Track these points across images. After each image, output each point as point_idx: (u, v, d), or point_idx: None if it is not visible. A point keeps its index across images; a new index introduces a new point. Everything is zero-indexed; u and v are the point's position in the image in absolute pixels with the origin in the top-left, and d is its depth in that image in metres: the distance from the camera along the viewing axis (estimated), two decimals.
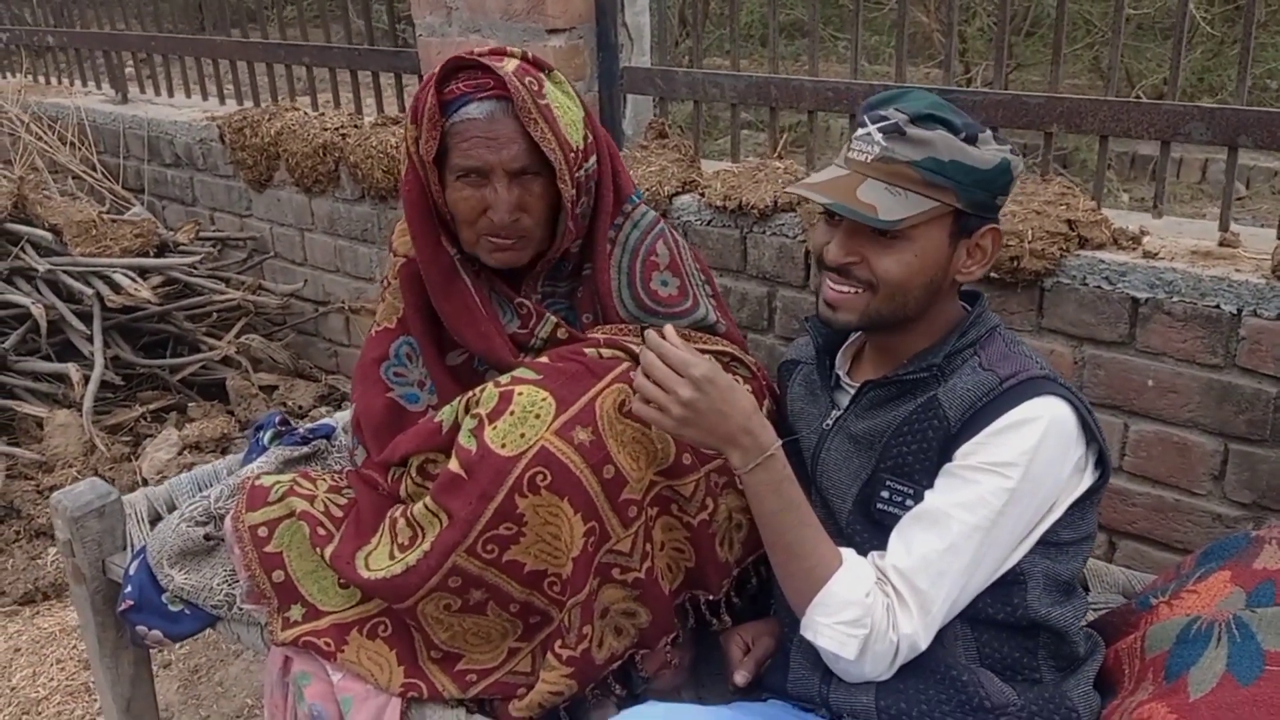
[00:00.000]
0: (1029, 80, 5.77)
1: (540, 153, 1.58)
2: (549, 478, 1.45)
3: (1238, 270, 1.87)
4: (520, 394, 1.48)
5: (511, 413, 1.47)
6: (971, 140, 1.37)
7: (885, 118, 1.38)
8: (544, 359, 1.56)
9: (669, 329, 1.41)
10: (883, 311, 1.41)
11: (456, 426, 1.57)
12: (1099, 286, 1.97)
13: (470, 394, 1.55)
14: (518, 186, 1.59)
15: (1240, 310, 1.84)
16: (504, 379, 1.53)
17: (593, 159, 1.65)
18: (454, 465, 1.49)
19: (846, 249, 1.39)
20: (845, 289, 1.41)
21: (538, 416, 1.46)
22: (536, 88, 1.58)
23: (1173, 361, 1.93)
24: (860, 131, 1.40)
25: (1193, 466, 1.96)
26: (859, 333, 1.56)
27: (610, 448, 1.47)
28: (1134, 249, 2.00)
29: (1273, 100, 5.26)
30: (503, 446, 1.45)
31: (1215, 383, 1.90)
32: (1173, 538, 2.02)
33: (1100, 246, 2.01)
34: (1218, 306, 1.86)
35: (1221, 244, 1.98)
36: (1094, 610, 1.60)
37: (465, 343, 1.69)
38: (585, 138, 1.63)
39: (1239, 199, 5.21)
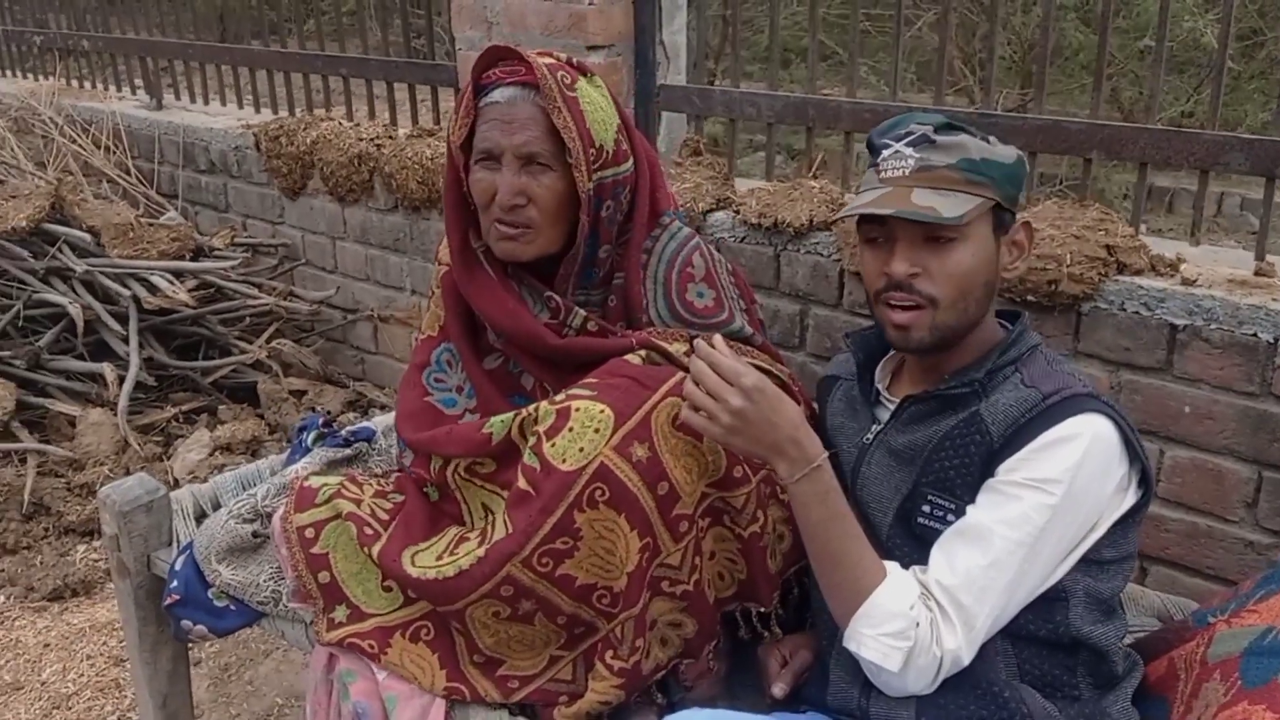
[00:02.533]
0: (1047, 109, 5.82)
1: (555, 145, 1.60)
2: (607, 493, 1.46)
3: (1274, 299, 1.89)
4: (577, 409, 1.49)
5: (570, 428, 1.48)
6: (987, 142, 1.44)
7: (909, 134, 1.42)
8: (593, 377, 1.57)
9: (718, 338, 1.43)
10: (950, 323, 1.43)
11: (507, 439, 1.60)
12: (1137, 312, 1.99)
13: (525, 412, 1.57)
14: (526, 174, 1.61)
15: (1277, 339, 1.86)
16: (559, 396, 1.55)
17: (626, 165, 1.67)
18: (522, 483, 1.51)
19: (910, 260, 1.41)
20: (910, 306, 1.43)
21: (596, 431, 1.47)
22: (568, 80, 1.61)
23: (1209, 388, 1.95)
24: (887, 152, 1.43)
25: (1226, 493, 1.98)
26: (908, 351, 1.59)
27: (666, 463, 1.49)
28: (1172, 276, 2.02)
29: None
30: (563, 461, 1.47)
31: (1251, 410, 1.92)
32: (1204, 564, 2.04)
33: (1138, 272, 2.03)
34: (1255, 335, 1.88)
35: (1257, 273, 2.01)
36: (1131, 633, 1.61)
37: (493, 322, 1.71)
38: (616, 142, 1.65)
39: (1252, 233, 5.23)
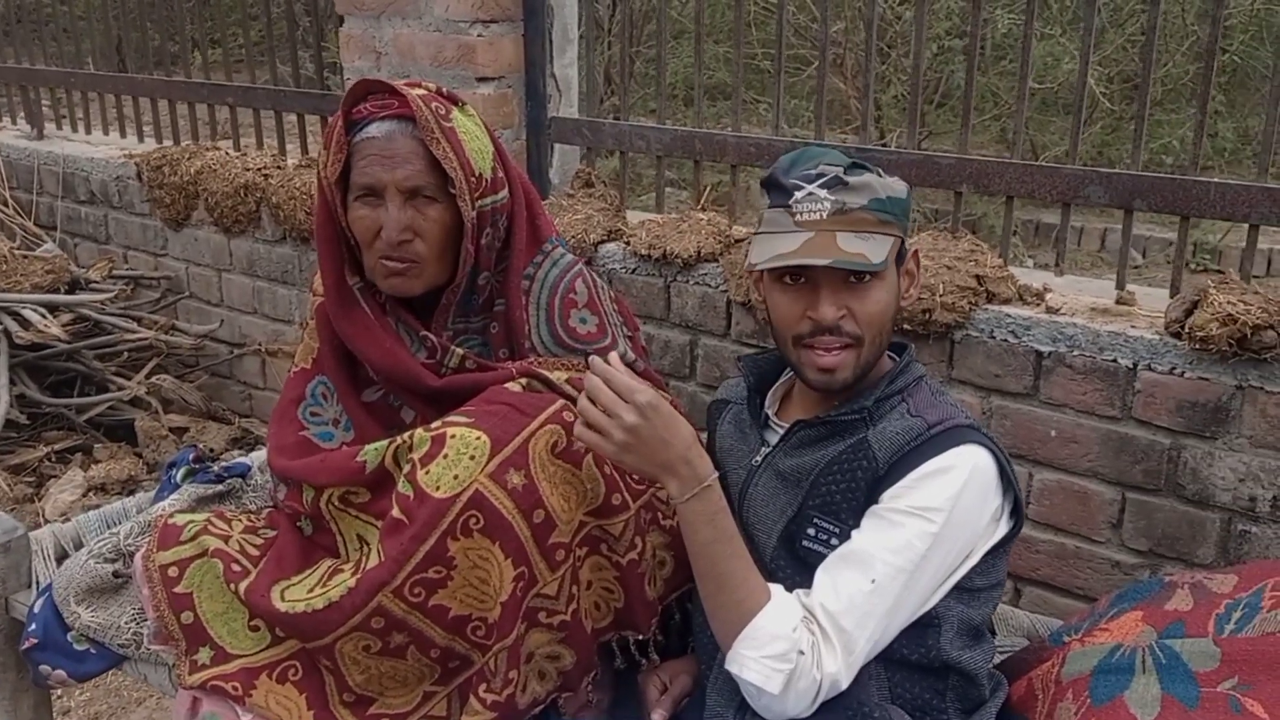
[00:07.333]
0: (939, 147, 6.00)
1: (438, 177, 1.60)
2: (481, 521, 1.45)
3: (1134, 326, 1.97)
4: (453, 436, 1.48)
5: (445, 455, 1.46)
6: (880, 175, 1.47)
7: (820, 175, 1.43)
8: (471, 404, 1.56)
9: (614, 355, 1.42)
10: (869, 358, 1.46)
11: (381, 467, 1.57)
12: (1005, 340, 2.05)
13: (400, 440, 1.55)
14: (411, 208, 1.60)
15: (1136, 364, 1.93)
16: (435, 424, 1.53)
17: (502, 193, 1.67)
18: (395, 512, 1.48)
19: (837, 305, 1.42)
20: (838, 348, 1.44)
21: (472, 458, 1.46)
22: (443, 111, 1.60)
23: (1073, 413, 2.01)
24: (800, 194, 1.43)
25: (1092, 515, 2.04)
26: (790, 375, 1.61)
27: (542, 490, 1.48)
28: (1038, 305, 2.08)
29: (1167, 173, 5.52)
30: (437, 489, 1.45)
31: (1113, 434, 1.98)
32: (1074, 584, 2.09)
33: (1006, 301, 2.10)
34: (1115, 361, 1.95)
35: (1118, 302, 2.08)
36: (1000, 653, 1.65)
37: (371, 363, 1.69)
38: (493, 170, 1.65)
39: (1136, 267, 5.45)
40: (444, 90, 1.67)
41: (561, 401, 1.55)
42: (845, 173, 1.43)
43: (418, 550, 1.45)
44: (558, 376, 1.63)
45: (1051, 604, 2.11)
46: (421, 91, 1.62)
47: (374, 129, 1.60)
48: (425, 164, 1.59)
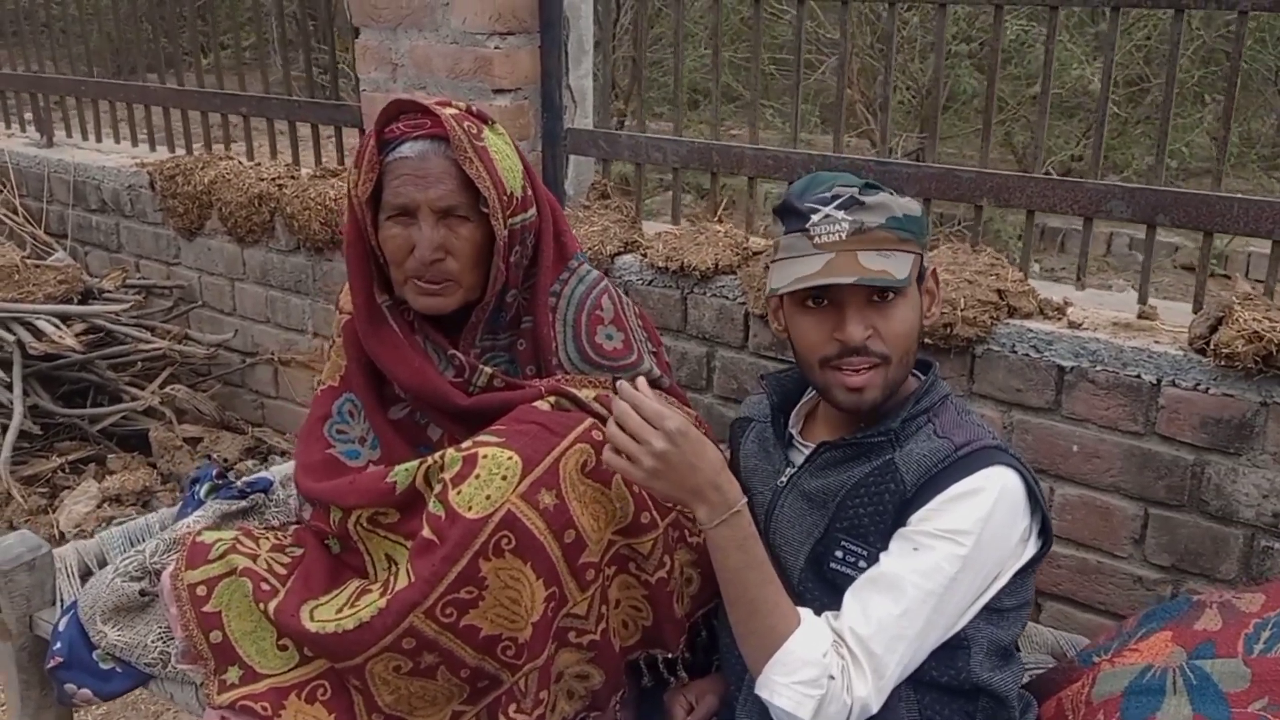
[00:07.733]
0: (944, 152, 5.99)
1: (470, 196, 1.61)
2: (513, 541, 1.45)
3: (1157, 342, 1.97)
4: (485, 456, 1.48)
5: (477, 475, 1.47)
6: (894, 196, 1.47)
7: (835, 196, 1.43)
8: (501, 424, 1.57)
9: (641, 381, 1.43)
10: (897, 376, 1.46)
11: (412, 487, 1.57)
12: (1027, 354, 2.05)
13: (431, 460, 1.55)
14: (444, 227, 1.61)
15: (1159, 380, 1.93)
16: (466, 443, 1.53)
17: (531, 211, 1.68)
18: (426, 532, 1.49)
19: (863, 324, 1.42)
20: (866, 368, 1.43)
21: (504, 478, 1.46)
22: (475, 131, 1.62)
23: (1096, 428, 2.01)
24: (817, 217, 1.42)
25: (1115, 530, 2.04)
26: (814, 394, 1.61)
27: (573, 510, 1.49)
28: (1059, 319, 2.08)
29: (1173, 176, 5.54)
30: (469, 509, 1.45)
31: (1136, 449, 1.98)
32: (1095, 599, 2.09)
33: (1028, 316, 2.09)
34: (1138, 376, 1.95)
35: (1141, 316, 2.08)
36: (1026, 671, 1.65)
37: (399, 381, 1.70)
38: (523, 188, 1.66)
39: (1139, 271, 5.46)
40: (474, 109, 1.67)
41: (590, 420, 1.56)
42: (860, 193, 1.43)
43: (450, 571, 1.45)
44: (586, 394, 1.63)
45: (1073, 619, 2.11)
46: (453, 111, 1.63)
47: (407, 149, 1.61)
48: (458, 184, 1.60)
